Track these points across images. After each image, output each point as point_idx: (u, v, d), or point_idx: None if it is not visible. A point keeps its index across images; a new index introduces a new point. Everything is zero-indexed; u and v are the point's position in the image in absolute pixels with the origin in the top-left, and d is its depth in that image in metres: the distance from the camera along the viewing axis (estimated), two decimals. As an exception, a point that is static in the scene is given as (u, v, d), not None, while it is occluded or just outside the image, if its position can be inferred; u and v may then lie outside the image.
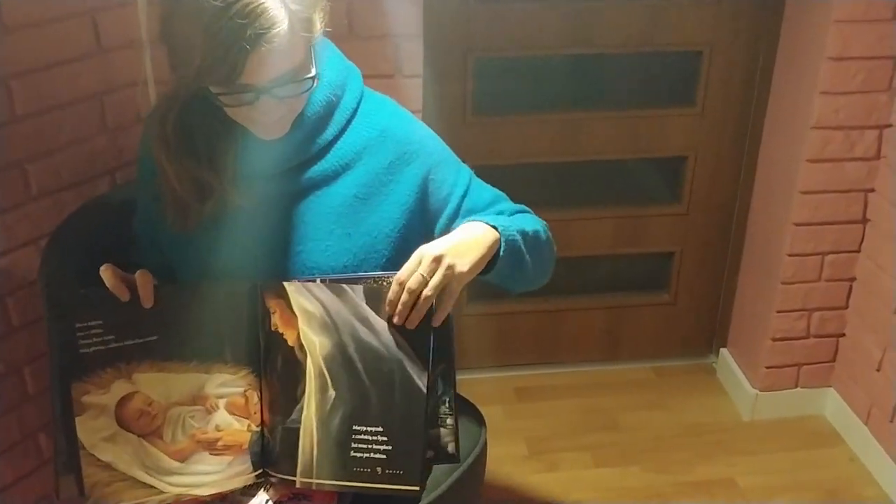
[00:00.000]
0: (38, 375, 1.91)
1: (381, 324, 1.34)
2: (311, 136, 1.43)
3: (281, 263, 1.45)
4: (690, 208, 2.77)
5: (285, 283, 1.37)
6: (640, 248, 2.85)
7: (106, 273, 1.32)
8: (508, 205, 1.58)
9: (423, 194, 1.49)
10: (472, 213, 1.51)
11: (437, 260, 1.30)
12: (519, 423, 2.69)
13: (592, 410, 2.77)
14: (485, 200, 1.55)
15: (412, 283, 1.29)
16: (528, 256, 1.47)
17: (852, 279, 2.56)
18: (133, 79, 1.96)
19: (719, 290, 2.93)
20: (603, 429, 2.70)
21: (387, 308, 1.32)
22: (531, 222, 1.54)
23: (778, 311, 2.58)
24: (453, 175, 1.52)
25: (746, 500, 2.43)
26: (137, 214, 1.58)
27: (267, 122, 1.33)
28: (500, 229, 1.40)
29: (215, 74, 1.22)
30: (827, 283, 2.56)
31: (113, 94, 1.93)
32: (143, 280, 1.33)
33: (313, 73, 1.30)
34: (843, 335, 2.65)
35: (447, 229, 1.49)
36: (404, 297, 1.30)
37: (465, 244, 1.36)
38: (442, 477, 1.57)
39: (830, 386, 2.73)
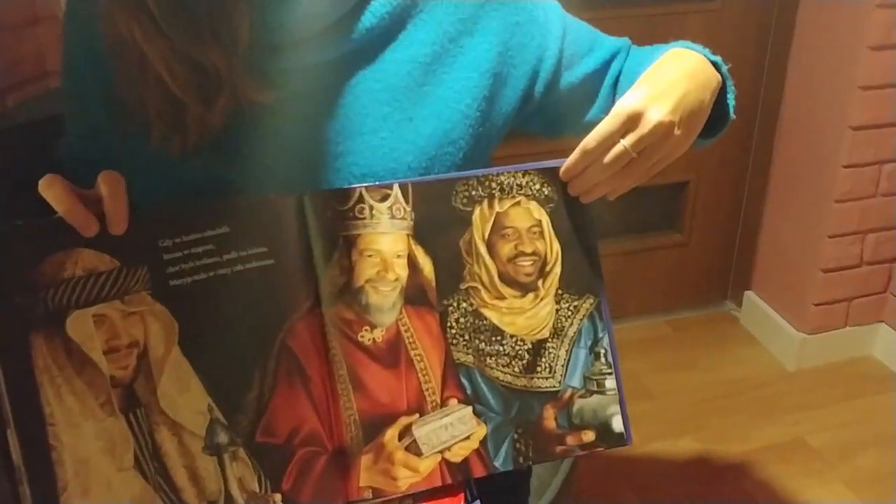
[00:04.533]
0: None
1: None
2: None
3: (318, 173, 0.91)
4: (707, 126, 2.32)
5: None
6: (647, 181, 2.39)
7: (53, 188, 0.76)
8: (612, 42, 1.08)
9: (507, 46, 0.97)
10: (573, 64, 1.03)
11: (637, 116, 0.85)
12: (538, 401, 2.20)
13: (614, 377, 2.31)
14: (584, 44, 1.05)
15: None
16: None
17: (911, 191, 2.18)
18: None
19: (737, 223, 2.50)
20: (635, 397, 2.23)
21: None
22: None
23: (830, 236, 2.17)
24: (545, 8, 1.01)
25: (826, 462, 2.01)
26: (67, 139, 1.00)
27: None
28: (720, 66, 0.96)
29: None
30: (884, 197, 2.16)
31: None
32: (113, 189, 0.78)
33: None
34: (898, 259, 2.26)
35: (548, 100, 1.01)
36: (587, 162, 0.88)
37: (679, 85, 0.88)
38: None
39: (882, 321, 2.35)
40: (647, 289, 2.52)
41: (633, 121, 0.85)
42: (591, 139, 0.87)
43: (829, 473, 1.98)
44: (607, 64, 1.05)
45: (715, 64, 0.95)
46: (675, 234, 2.50)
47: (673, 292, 2.56)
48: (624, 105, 0.86)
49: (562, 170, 0.91)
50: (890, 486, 1.93)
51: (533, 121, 1.05)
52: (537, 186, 0.92)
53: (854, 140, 2.05)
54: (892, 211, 2.19)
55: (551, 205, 0.93)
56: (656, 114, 0.85)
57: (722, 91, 0.96)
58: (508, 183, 0.91)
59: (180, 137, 0.86)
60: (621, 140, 0.86)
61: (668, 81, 0.88)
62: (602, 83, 1.05)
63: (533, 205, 0.92)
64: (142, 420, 0.80)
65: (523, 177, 0.92)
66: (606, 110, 1.01)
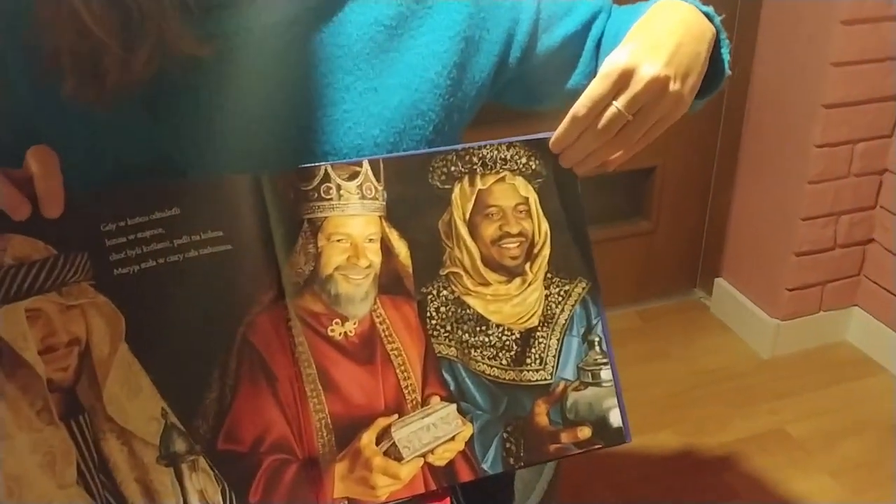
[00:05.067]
0: None
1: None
2: None
3: (275, 151, 0.82)
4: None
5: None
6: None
7: None
8: (592, 2, 0.98)
9: (479, 8, 0.89)
10: (551, 27, 0.94)
11: (629, 73, 0.77)
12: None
13: (585, 371, 2.24)
14: (562, 5, 0.96)
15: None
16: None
17: (883, 171, 2.13)
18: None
19: (706, 208, 2.45)
20: (608, 390, 2.16)
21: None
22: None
23: (804, 219, 2.12)
24: None
25: (808, 451, 1.96)
26: None
27: None
28: (713, 17, 0.88)
29: None
30: (857, 178, 2.11)
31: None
32: (45, 166, 0.68)
33: None
34: (872, 241, 2.21)
35: (525, 67, 0.94)
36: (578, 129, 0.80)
37: (671, 37, 0.80)
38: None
39: (856, 305, 2.30)
40: (614, 278, 2.45)
41: (624, 79, 0.77)
42: (581, 104, 0.79)
43: (811, 463, 1.92)
44: (588, 25, 0.97)
45: (707, 15, 0.88)
46: (642, 222, 2.44)
47: (641, 281, 2.50)
48: (613, 62, 0.78)
49: (551, 141, 0.83)
50: (873, 475, 1.88)
51: (509, 91, 0.96)
52: (524, 160, 0.84)
53: (827, 119, 1.99)
54: (866, 191, 2.14)
55: (539, 180, 0.85)
56: (650, 69, 0.77)
57: (715, 46, 0.88)
58: (491, 157, 0.83)
59: (93, 87, 0.75)
60: (614, 102, 0.78)
61: (659, 33, 0.80)
62: (583, 47, 0.97)
63: (519, 181, 0.84)
64: (86, 429, 0.71)
65: (508, 150, 0.83)
66: (589, 76, 0.93)
